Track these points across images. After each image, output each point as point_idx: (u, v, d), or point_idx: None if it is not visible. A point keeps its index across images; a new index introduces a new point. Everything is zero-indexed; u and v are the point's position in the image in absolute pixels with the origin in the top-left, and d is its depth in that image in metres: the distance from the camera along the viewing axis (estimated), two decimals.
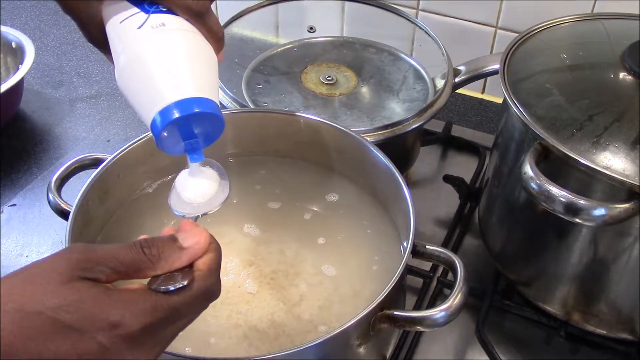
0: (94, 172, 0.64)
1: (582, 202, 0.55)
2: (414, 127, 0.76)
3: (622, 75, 0.63)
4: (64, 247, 0.43)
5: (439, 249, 0.60)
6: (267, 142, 0.74)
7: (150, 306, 0.39)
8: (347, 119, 0.80)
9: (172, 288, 0.41)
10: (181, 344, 0.58)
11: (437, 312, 0.54)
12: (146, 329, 0.39)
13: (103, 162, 0.65)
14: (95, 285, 0.39)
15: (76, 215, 0.60)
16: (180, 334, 0.42)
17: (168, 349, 0.42)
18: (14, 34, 1.00)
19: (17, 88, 0.95)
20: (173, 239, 0.43)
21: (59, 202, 0.64)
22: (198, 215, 0.49)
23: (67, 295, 0.38)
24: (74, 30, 1.20)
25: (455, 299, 0.54)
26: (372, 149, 0.67)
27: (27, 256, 0.80)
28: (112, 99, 1.05)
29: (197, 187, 0.50)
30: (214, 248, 0.44)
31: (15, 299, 0.37)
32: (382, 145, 0.70)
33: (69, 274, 0.38)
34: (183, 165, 0.50)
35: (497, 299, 0.73)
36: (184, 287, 0.41)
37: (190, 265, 0.43)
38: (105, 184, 0.65)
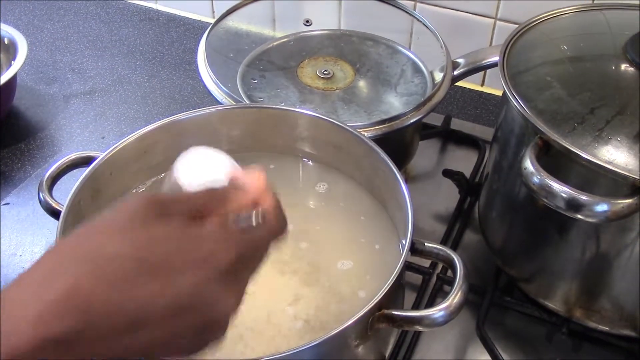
0: (85, 171, 0.63)
1: (583, 197, 0.53)
2: (412, 121, 0.75)
3: (624, 67, 0.62)
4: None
5: (438, 247, 0.59)
6: (263, 138, 0.73)
7: (235, 242, 0.38)
8: (344, 114, 0.79)
9: (254, 223, 0.41)
10: None
11: (437, 312, 0.53)
12: (233, 266, 0.37)
13: (95, 160, 0.64)
14: (176, 221, 0.36)
15: (67, 215, 0.59)
16: None
17: None
18: (6, 29, 0.98)
19: (10, 84, 0.94)
20: (231, 180, 0.43)
21: (50, 202, 0.63)
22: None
23: (151, 233, 0.35)
24: (68, 26, 1.19)
25: (454, 297, 0.54)
26: (369, 144, 0.66)
27: (20, 255, 0.79)
28: (106, 95, 1.03)
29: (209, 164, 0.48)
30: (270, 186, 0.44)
31: (90, 246, 0.34)
32: (380, 140, 0.69)
33: (145, 213, 0.36)
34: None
35: (497, 296, 0.72)
36: (261, 222, 0.41)
37: (255, 204, 0.42)
38: (97, 182, 0.64)
